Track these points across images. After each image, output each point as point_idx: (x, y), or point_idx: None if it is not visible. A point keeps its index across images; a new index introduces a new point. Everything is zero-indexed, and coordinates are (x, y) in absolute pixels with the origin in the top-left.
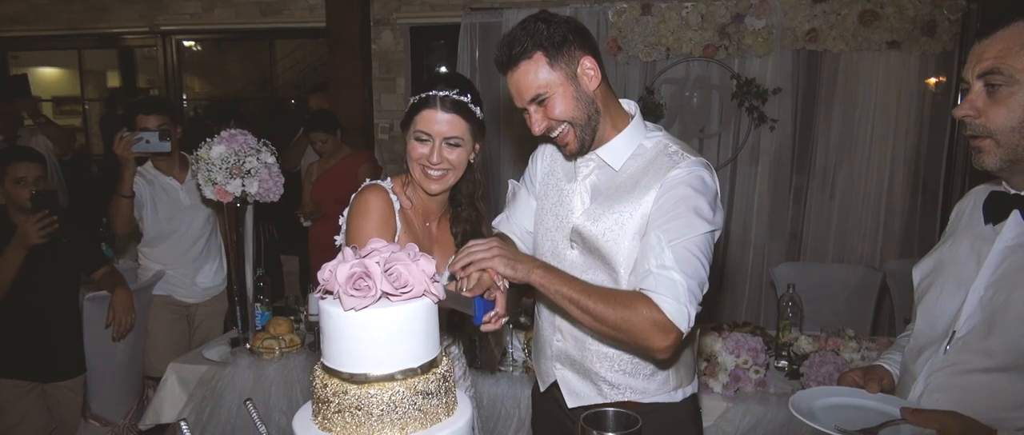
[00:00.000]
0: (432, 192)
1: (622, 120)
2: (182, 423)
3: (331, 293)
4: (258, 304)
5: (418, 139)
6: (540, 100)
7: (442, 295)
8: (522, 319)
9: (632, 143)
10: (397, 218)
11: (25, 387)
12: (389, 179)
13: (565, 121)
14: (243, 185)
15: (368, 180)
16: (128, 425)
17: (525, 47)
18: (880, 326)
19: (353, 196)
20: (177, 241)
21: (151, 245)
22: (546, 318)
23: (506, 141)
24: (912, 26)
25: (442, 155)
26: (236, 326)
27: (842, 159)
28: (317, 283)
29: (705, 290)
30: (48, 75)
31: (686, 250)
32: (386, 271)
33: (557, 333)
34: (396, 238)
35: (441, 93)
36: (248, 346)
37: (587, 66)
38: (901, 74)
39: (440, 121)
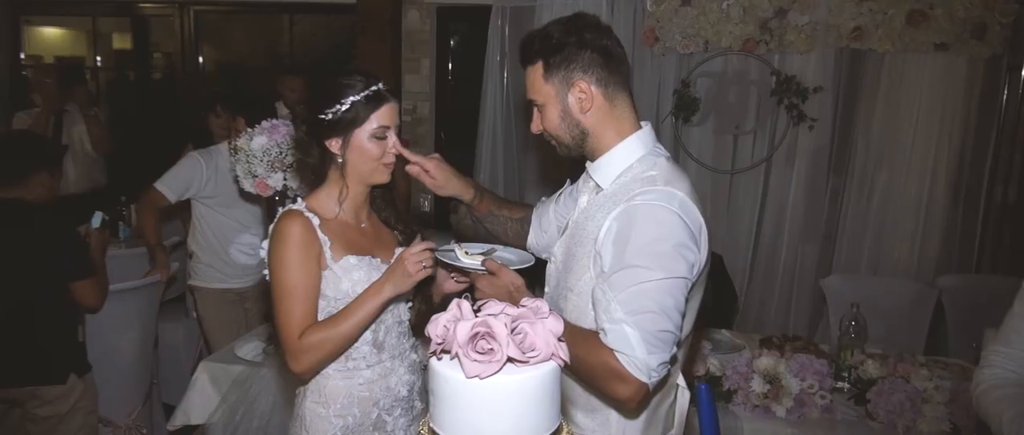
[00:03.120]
0: (385, 180)
1: (623, 138)
2: None
3: (447, 352)
4: None
5: (378, 137)
6: (536, 106)
7: (568, 358)
8: None
9: (623, 162)
10: (320, 233)
11: None
12: (300, 200)
13: (551, 134)
14: (285, 179)
15: (280, 209)
16: (132, 425)
17: (532, 52)
18: (934, 345)
19: (271, 227)
20: (230, 223)
21: (204, 230)
22: None
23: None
24: (962, 28)
25: (393, 140)
26: (271, 320)
27: (882, 162)
28: None
29: (677, 338)
30: (52, 35)
31: (637, 297)
32: (512, 331)
33: None
34: (328, 249)
35: (382, 85)
36: None
37: (581, 90)
38: (947, 77)
39: (394, 110)
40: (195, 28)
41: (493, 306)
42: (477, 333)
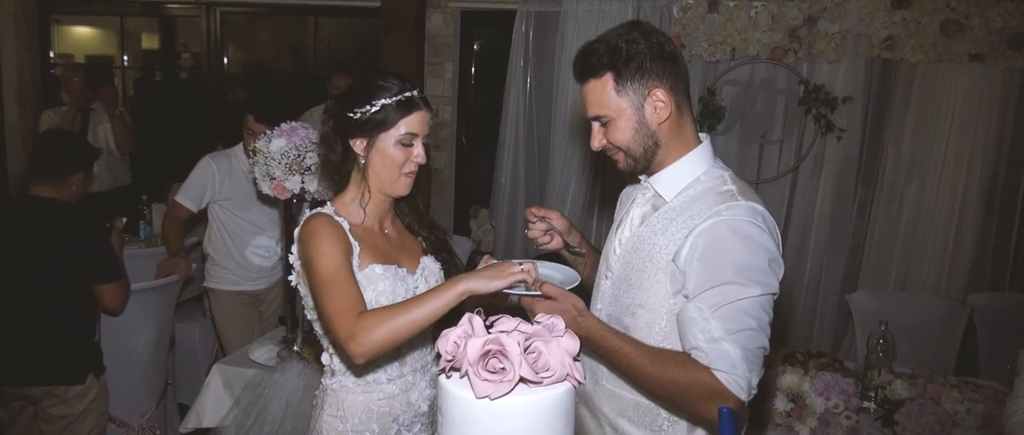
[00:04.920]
0: (404, 193)
1: (688, 150)
2: None
3: (457, 370)
4: None
5: (405, 144)
6: (602, 121)
7: (583, 378)
8: None
9: (689, 175)
10: (350, 237)
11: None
12: (328, 204)
13: (620, 148)
14: (302, 182)
15: (307, 211)
16: (145, 425)
17: (598, 64)
18: (964, 366)
19: (297, 231)
20: (245, 225)
21: (219, 232)
22: None
23: (557, 136)
24: (998, 39)
25: (420, 150)
26: (286, 324)
27: (913, 175)
28: None
29: (767, 353)
30: (82, 34)
31: (737, 314)
32: (526, 350)
33: None
34: (357, 255)
35: (416, 92)
36: (296, 349)
37: (658, 98)
38: (982, 89)
39: (425, 119)
40: (221, 29)
41: (506, 322)
42: (488, 351)
